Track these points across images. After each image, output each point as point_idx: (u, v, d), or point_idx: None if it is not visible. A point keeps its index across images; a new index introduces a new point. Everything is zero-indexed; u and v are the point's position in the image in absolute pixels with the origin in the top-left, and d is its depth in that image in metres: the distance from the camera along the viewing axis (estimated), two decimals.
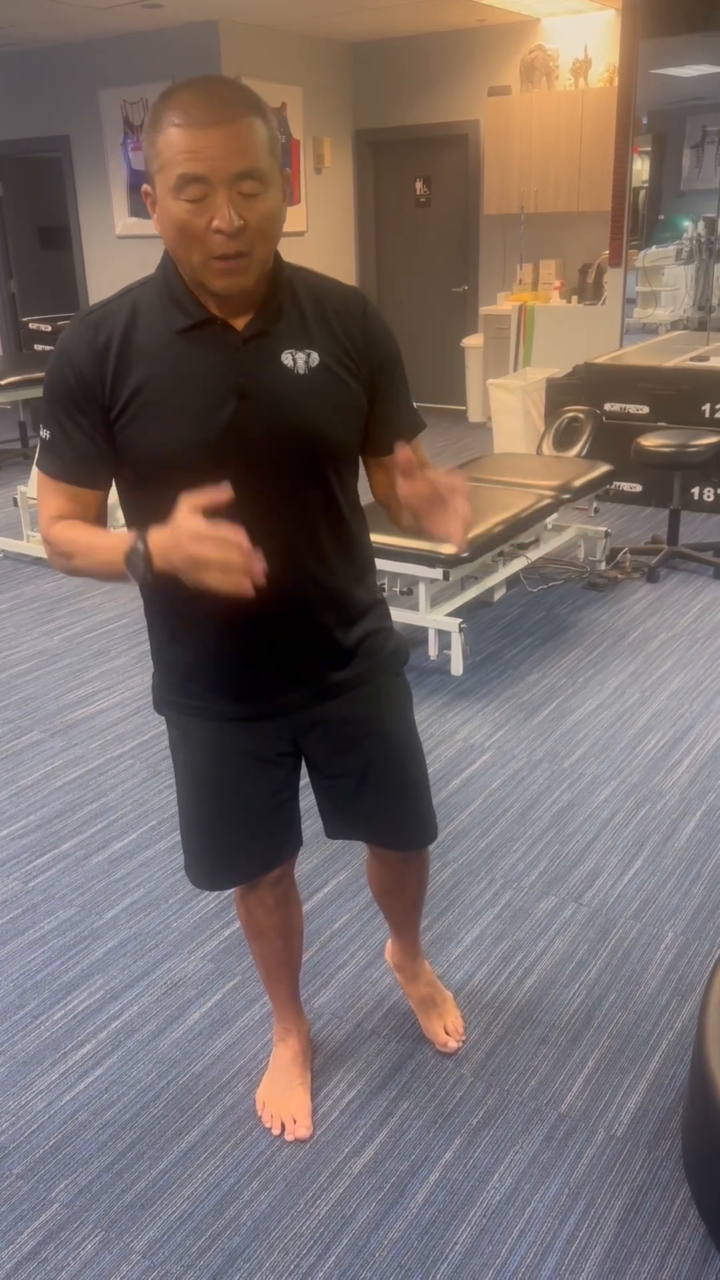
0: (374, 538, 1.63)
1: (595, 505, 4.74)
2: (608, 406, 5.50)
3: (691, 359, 5.66)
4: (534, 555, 4.29)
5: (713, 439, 4.41)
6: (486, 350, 7.30)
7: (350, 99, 7.79)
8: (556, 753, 3.13)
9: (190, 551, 1.19)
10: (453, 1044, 2.03)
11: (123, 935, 2.40)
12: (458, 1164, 1.81)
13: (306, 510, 1.43)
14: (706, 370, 5.41)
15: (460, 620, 3.62)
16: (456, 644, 3.61)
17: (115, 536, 1.33)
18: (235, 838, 1.66)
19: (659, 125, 6.62)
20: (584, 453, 5.05)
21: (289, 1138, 1.86)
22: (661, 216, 6.86)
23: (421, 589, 3.65)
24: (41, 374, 5.26)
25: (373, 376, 1.45)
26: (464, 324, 7.81)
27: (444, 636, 3.72)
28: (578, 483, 4.25)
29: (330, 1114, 1.92)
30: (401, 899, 1.94)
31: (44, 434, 1.41)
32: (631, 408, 5.47)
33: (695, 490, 5.39)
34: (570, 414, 5.27)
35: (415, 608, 3.69)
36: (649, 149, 6.70)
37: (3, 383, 6.34)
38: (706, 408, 5.28)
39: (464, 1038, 2.06)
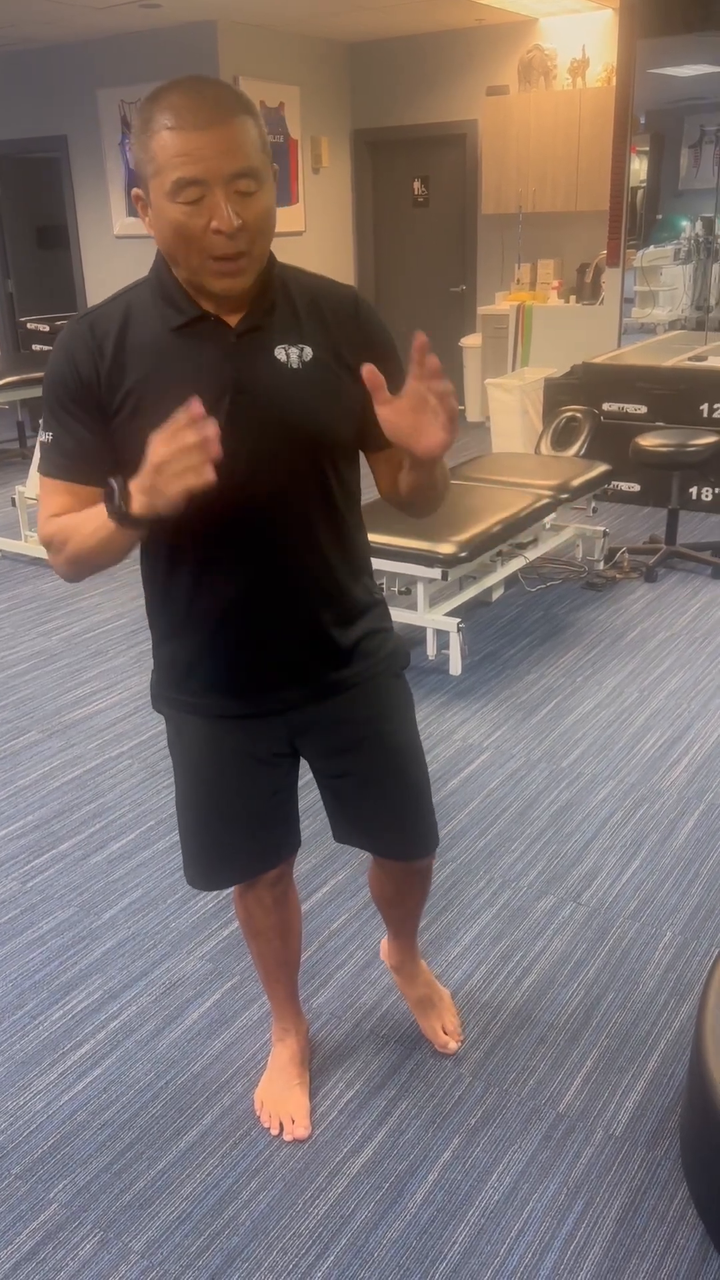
0: (373, 537, 1.63)
1: (593, 505, 4.75)
2: (606, 406, 5.50)
3: (689, 359, 5.67)
4: (532, 555, 4.29)
5: (711, 439, 4.41)
6: (484, 350, 7.30)
7: (348, 99, 7.79)
8: (555, 752, 3.13)
9: (153, 459, 1.20)
10: (452, 1044, 2.03)
11: (121, 935, 2.40)
12: (456, 1164, 1.81)
13: (303, 505, 1.43)
14: (704, 370, 5.41)
15: (458, 620, 3.62)
16: (455, 644, 3.61)
17: (99, 506, 1.34)
18: (232, 837, 1.66)
19: (657, 125, 6.62)
20: (582, 452, 5.05)
21: (287, 1138, 1.86)
22: (659, 216, 6.87)
23: (420, 589, 3.65)
24: (39, 374, 5.25)
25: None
26: (462, 324, 7.82)
27: (442, 636, 3.73)
28: (576, 482, 4.25)
29: (329, 1114, 1.92)
30: (402, 907, 1.93)
31: (45, 436, 1.41)
32: (630, 407, 5.47)
33: (693, 490, 5.39)
34: (568, 414, 5.27)
35: (414, 607, 3.69)
36: (647, 149, 6.70)
37: (1, 383, 6.33)
38: (704, 407, 5.29)
39: (463, 1038, 2.06)
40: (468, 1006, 2.15)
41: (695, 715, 3.32)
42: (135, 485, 1.25)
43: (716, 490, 5.35)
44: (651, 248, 6.80)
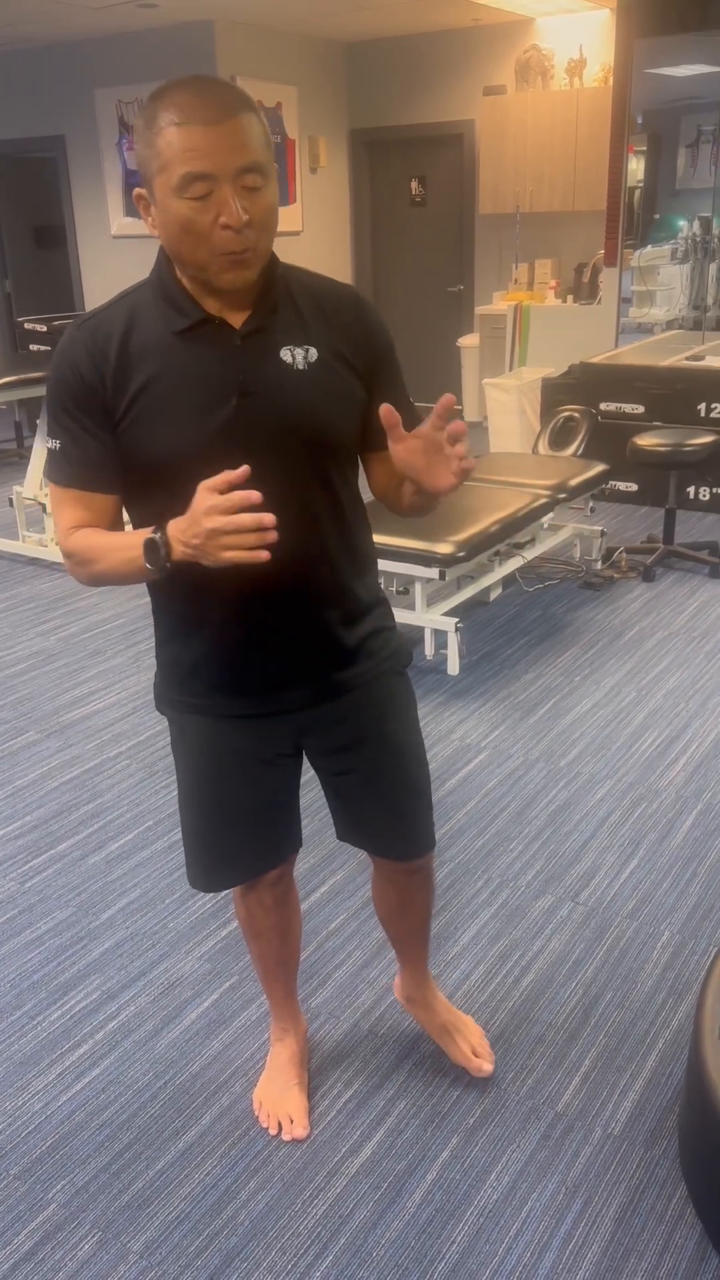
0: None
1: (591, 504, 4.75)
2: (603, 406, 5.51)
3: (687, 358, 5.67)
4: (530, 555, 4.30)
5: (708, 438, 4.42)
6: (482, 350, 7.30)
7: (345, 99, 7.79)
8: (553, 752, 3.13)
9: (205, 525, 1.21)
10: (486, 1066, 1.95)
11: (119, 935, 2.40)
12: (455, 1163, 1.81)
13: (308, 506, 1.43)
14: (702, 369, 5.41)
15: (456, 620, 3.62)
16: (453, 643, 3.62)
17: (134, 535, 1.33)
18: (234, 838, 1.66)
19: (654, 125, 6.63)
20: (580, 452, 5.06)
21: (286, 1137, 1.86)
22: (657, 216, 6.87)
23: (418, 588, 3.65)
24: (37, 374, 5.22)
25: (371, 370, 1.45)
26: (459, 323, 7.82)
27: (440, 636, 3.73)
28: (573, 482, 4.25)
29: (327, 1114, 1.92)
30: (406, 919, 1.90)
31: (52, 444, 1.40)
32: (627, 407, 5.47)
33: (691, 489, 5.39)
34: (566, 413, 5.27)
35: (411, 607, 3.69)
36: (644, 148, 6.71)
37: None
38: (702, 407, 5.29)
39: (494, 1056, 1.99)
40: (466, 1006, 2.15)
41: (693, 714, 3.33)
42: (179, 534, 1.25)
43: (714, 490, 5.35)
44: (649, 247, 6.81)
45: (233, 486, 1.21)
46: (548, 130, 6.83)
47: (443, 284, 7.93)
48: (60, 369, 1.37)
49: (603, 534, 4.58)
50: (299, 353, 1.38)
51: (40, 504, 4.91)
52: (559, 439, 5.19)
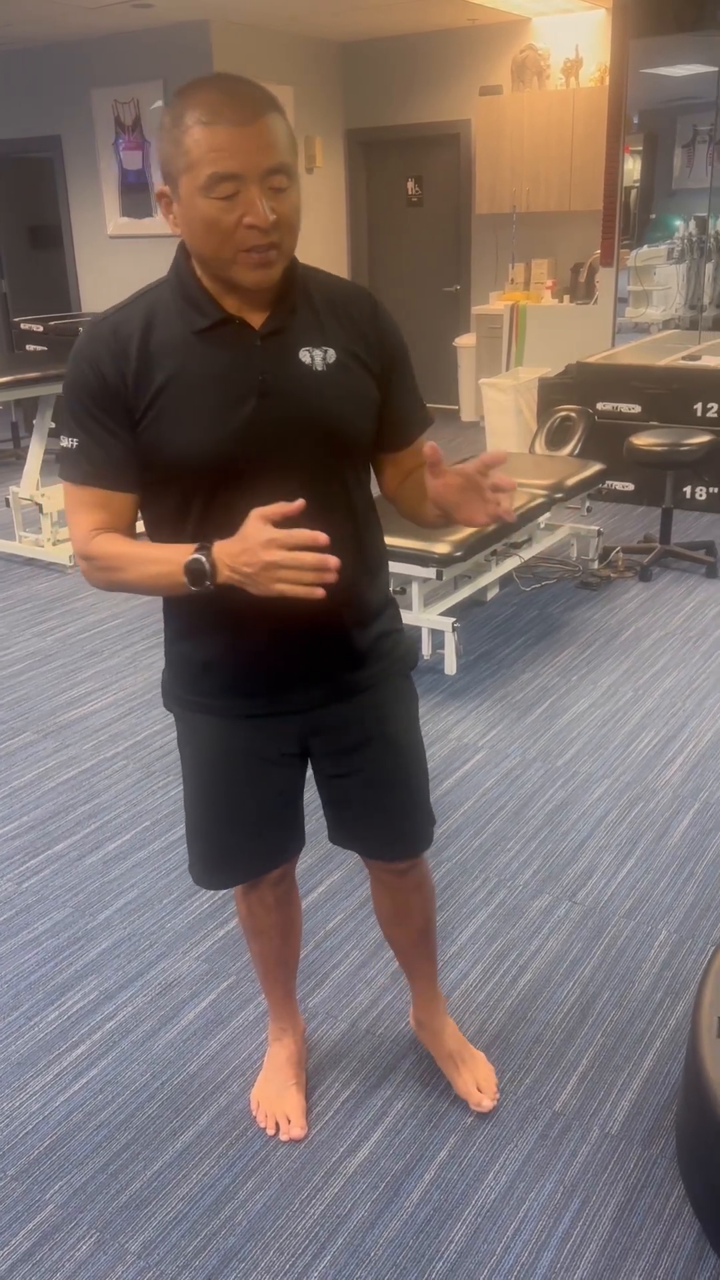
0: None
1: (588, 504, 4.75)
2: (600, 406, 5.51)
3: (683, 358, 5.68)
4: (527, 554, 4.30)
5: (704, 438, 4.42)
6: (479, 349, 7.30)
7: (341, 98, 7.79)
8: (550, 751, 3.14)
9: (263, 558, 1.22)
10: (487, 1102, 1.90)
11: (116, 936, 2.39)
12: (452, 1163, 1.81)
13: (324, 507, 1.42)
14: (698, 369, 5.42)
15: (453, 620, 3.62)
16: (450, 643, 3.62)
17: (168, 549, 1.33)
18: (239, 837, 1.66)
19: (650, 124, 6.63)
20: (576, 452, 5.06)
21: (284, 1137, 1.86)
22: (653, 216, 6.88)
23: (415, 588, 3.65)
24: (33, 374, 5.18)
25: (386, 372, 1.46)
26: (456, 323, 7.82)
27: (437, 636, 3.73)
28: (570, 482, 4.26)
29: (325, 1113, 1.92)
30: (405, 925, 1.88)
31: (68, 443, 1.39)
32: (624, 407, 5.48)
33: (687, 489, 5.40)
34: (563, 413, 5.28)
35: (409, 607, 3.69)
36: (640, 148, 6.71)
37: None
38: (698, 407, 5.30)
39: (498, 1095, 1.93)
40: (464, 1005, 2.15)
41: (690, 714, 3.33)
42: (228, 559, 1.26)
43: (710, 489, 5.36)
44: (645, 247, 6.81)
45: (287, 518, 1.23)
46: (544, 130, 6.84)
47: (439, 284, 7.93)
48: (80, 368, 1.36)
49: (599, 534, 4.58)
50: (317, 354, 1.39)
51: (37, 504, 4.91)
52: (555, 439, 5.19)
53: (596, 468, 4.44)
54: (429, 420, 1.57)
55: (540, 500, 4.01)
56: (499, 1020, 2.12)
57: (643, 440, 4.45)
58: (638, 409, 5.43)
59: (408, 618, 3.65)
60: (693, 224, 6.66)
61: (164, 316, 1.36)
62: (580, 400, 5.49)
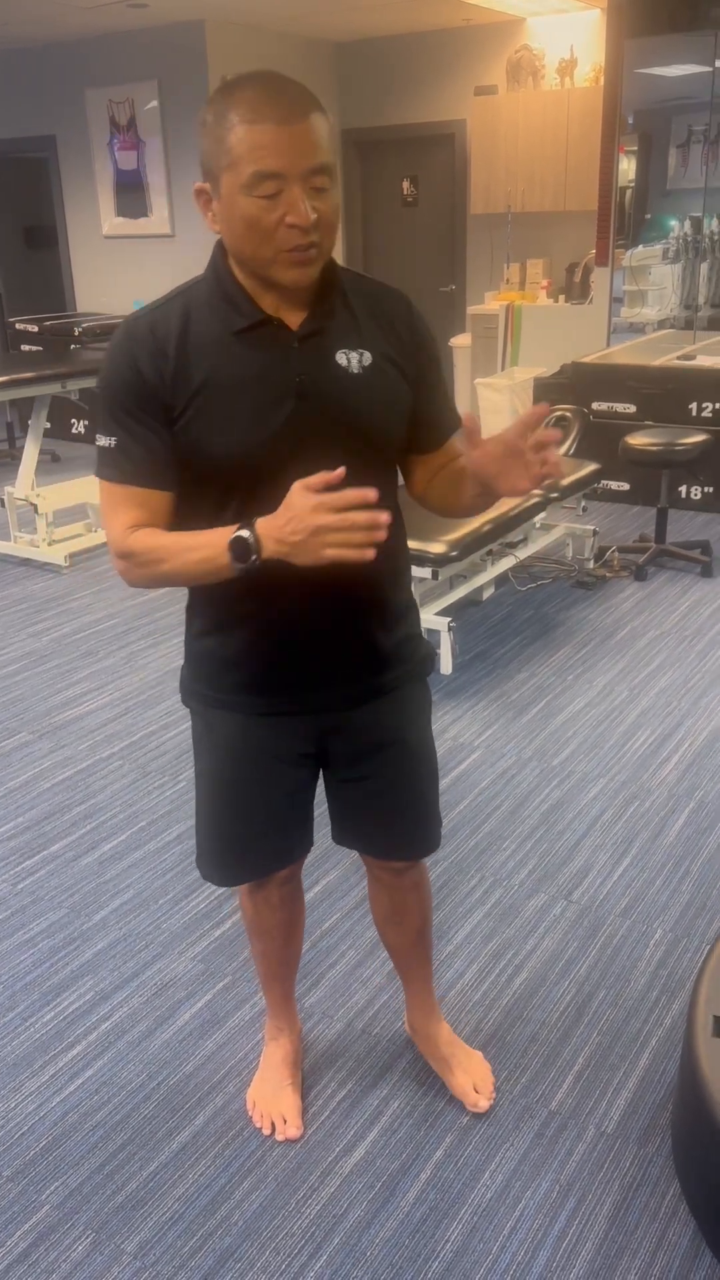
0: None
1: (583, 504, 4.76)
2: (595, 405, 5.52)
3: (678, 358, 5.68)
4: (522, 554, 4.30)
5: (699, 437, 4.43)
6: (474, 350, 7.30)
7: (336, 98, 7.78)
8: (545, 751, 3.14)
9: (312, 522, 1.22)
10: (483, 1103, 1.90)
11: (112, 936, 2.39)
12: (448, 1162, 1.81)
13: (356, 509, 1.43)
14: (693, 369, 5.43)
15: (449, 619, 3.62)
16: (446, 643, 3.62)
17: (208, 533, 1.33)
18: (250, 835, 1.66)
19: (645, 125, 6.64)
20: (571, 451, 5.06)
21: (279, 1138, 1.86)
22: (648, 216, 6.88)
23: (411, 588, 3.65)
24: (28, 374, 5.17)
25: (419, 374, 1.46)
26: (451, 323, 7.82)
27: (433, 635, 3.73)
28: (566, 481, 4.26)
29: (321, 1113, 1.92)
30: (402, 926, 1.88)
31: (106, 442, 1.38)
32: (619, 406, 5.48)
33: (682, 489, 5.40)
34: (558, 413, 5.28)
35: None
36: (635, 148, 6.72)
37: None
38: (693, 406, 5.30)
39: (494, 1095, 1.93)
40: (459, 1005, 2.16)
41: (685, 713, 3.33)
42: (273, 531, 1.25)
43: (705, 489, 5.37)
44: (640, 247, 6.82)
45: (329, 488, 1.22)
46: (539, 130, 6.84)
47: (434, 284, 7.93)
48: (118, 365, 1.35)
49: (595, 533, 4.59)
50: (353, 356, 1.39)
51: (32, 505, 4.90)
52: None
53: (592, 467, 4.44)
54: (459, 422, 1.56)
55: (535, 500, 4.01)
56: (495, 1019, 2.12)
57: (638, 440, 4.45)
58: (633, 409, 5.44)
59: None
60: (688, 224, 6.67)
61: (201, 315, 1.36)
62: (575, 400, 5.49)
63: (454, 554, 3.52)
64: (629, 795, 2.89)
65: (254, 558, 1.27)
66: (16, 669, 3.81)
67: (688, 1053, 1.72)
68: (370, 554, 1.24)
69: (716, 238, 6.65)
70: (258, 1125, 1.89)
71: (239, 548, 1.28)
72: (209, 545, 1.31)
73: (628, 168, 6.69)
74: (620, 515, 5.40)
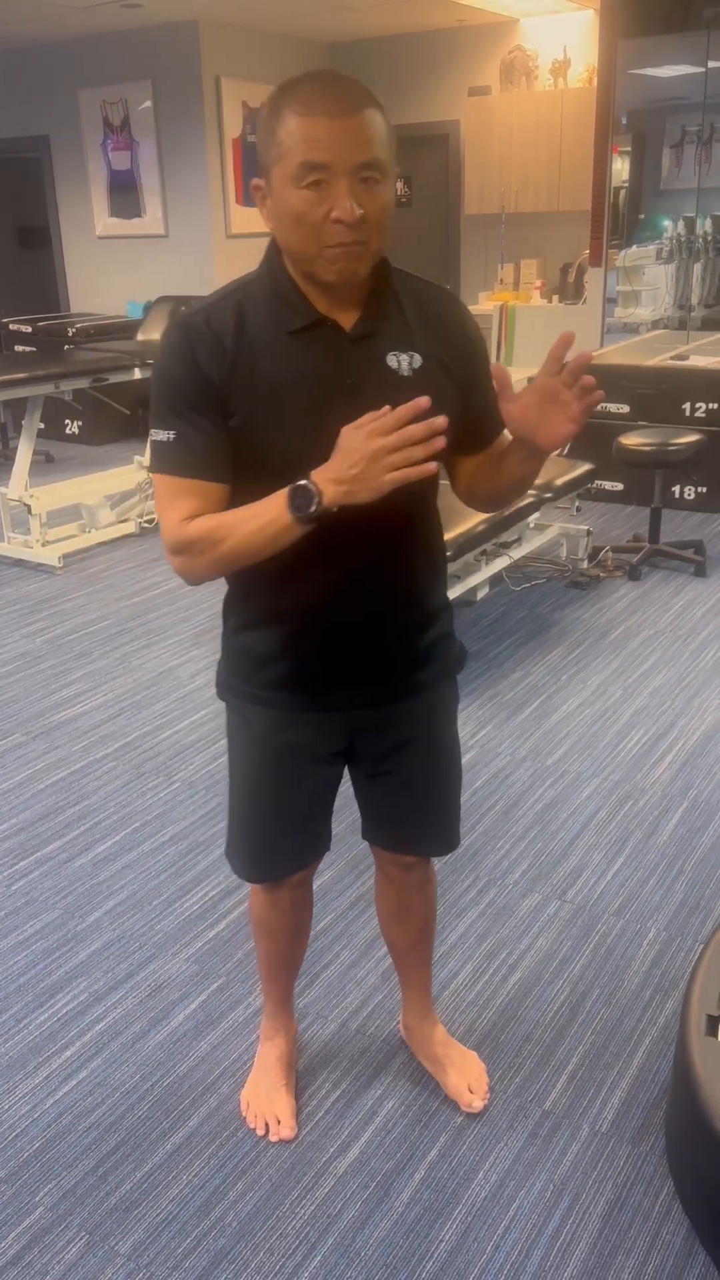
0: None
1: (577, 504, 4.76)
2: None
3: (672, 358, 5.69)
4: (516, 554, 4.30)
5: (693, 437, 4.43)
6: None
7: None
8: (539, 750, 3.14)
9: (367, 448, 1.21)
10: (477, 1103, 1.90)
11: (106, 938, 2.39)
12: (443, 1162, 1.81)
13: (399, 513, 1.42)
14: (687, 369, 5.43)
15: None
16: None
17: (263, 504, 1.32)
18: (278, 831, 1.67)
19: (639, 125, 6.65)
20: (565, 451, 5.06)
21: (273, 1138, 1.86)
22: (642, 216, 6.90)
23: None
24: (21, 375, 5.14)
25: (468, 377, 1.46)
26: None
27: None
28: (559, 481, 4.26)
29: (315, 1113, 1.92)
30: (406, 926, 1.89)
31: (164, 436, 1.37)
32: (612, 407, 5.49)
33: (676, 488, 5.41)
34: None
35: None
36: (629, 149, 6.73)
37: None
38: (686, 406, 5.31)
39: (488, 1095, 1.93)
40: (454, 1005, 2.16)
41: (679, 712, 3.34)
42: (328, 477, 1.25)
43: (699, 489, 5.37)
44: (634, 247, 6.83)
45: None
46: (532, 131, 6.85)
47: None
48: (178, 360, 1.34)
49: (589, 533, 4.59)
50: (404, 359, 1.38)
51: (26, 505, 4.90)
52: None
53: (585, 467, 4.44)
54: (503, 425, 1.56)
55: (529, 500, 4.01)
56: (489, 1019, 2.12)
57: (631, 440, 4.46)
58: (626, 409, 5.45)
59: None
60: (681, 224, 6.69)
61: (255, 314, 1.36)
62: None
63: (448, 554, 3.51)
64: (623, 795, 2.90)
65: (315, 506, 1.26)
66: (10, 670, 3.81)
67: (681, 1052, 1.72)
68: (434, 467, 1.22)
69: (710, 238, 6.67)
70: (252, 1126, 1.89)
71: (299, 496, 1.26)
72: (268, 509, 1.30)
73: (621, 168, 6.70)
74: (614, 515, 5.40)
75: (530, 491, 4.08)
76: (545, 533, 4.52)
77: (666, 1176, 1.77)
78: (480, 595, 4.30)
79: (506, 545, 4.27)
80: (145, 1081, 2.00)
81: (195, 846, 2.71)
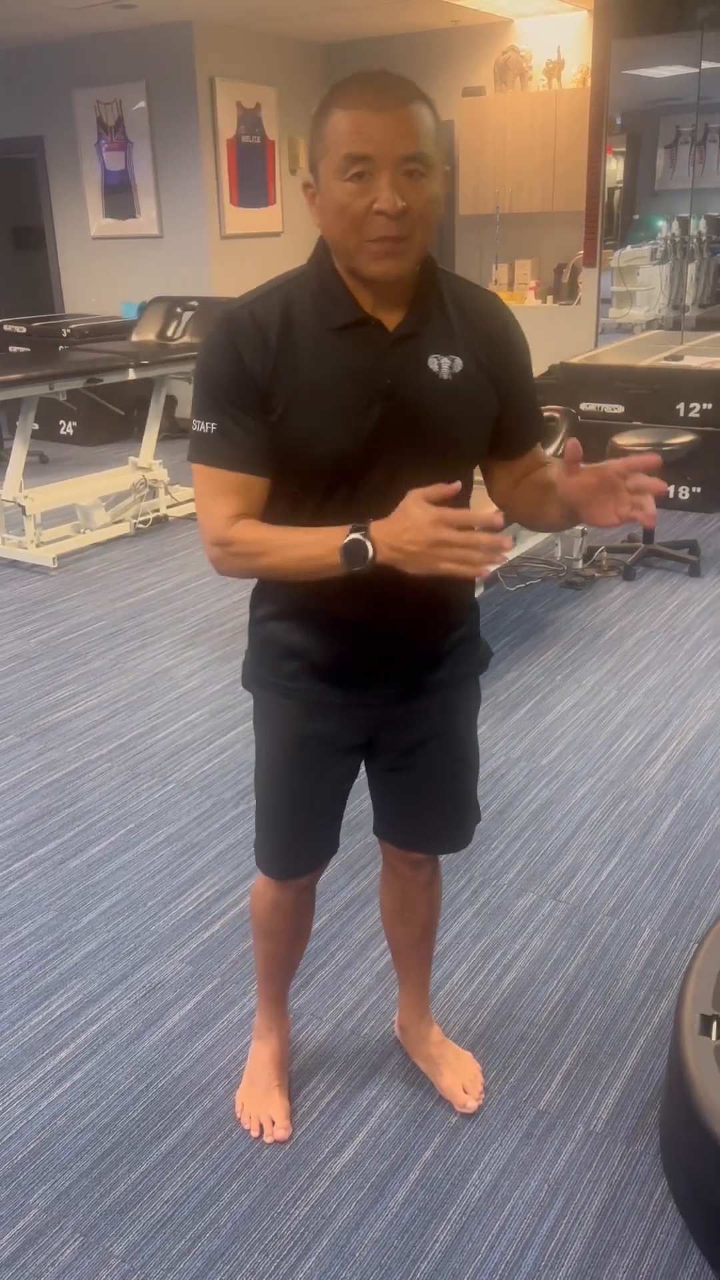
0: None
1: None
2: (583, 406, 5.52)
3: (666, 358, 5.70)
4: (511, 554, 4.30)
5: (687, 438, 4.44)
6: None
7: None
8: (534, 750, 3.14)
9: (431, 535, 1.22)
10: (471, 1103, 1.90)
11: (101, 939, 2.39)
12: (437, 1162, 1.81)
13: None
14: (681, 369, 5.44)
15: None
16: None
17: (316, 532, 1.32)
18: (300, 825, 1.68)
19: (633, 125, 6.66)
20: (560, 452, 5.07)
21: (268, 1139, 1.86)
22: (636, 216, 6.91)
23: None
24: (16, 375, 5.12)
25: (508, 383, 1.46)
26: None
27: None
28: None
29: (310, 1114, 1.92)
30: (409, 925, 1.89)
31: (207, 427, 1.37)
32: (607, 407, 5.49)
33: (670, 489, 5.42)
34: (546, 414, 5.29)
35: None
36: (623, 149, 6.74)
37: None
38: (681, 407, 5.32)
39: (483, 1095, 1.93)
40: (448, 1005, 2.16)
41: (673, 712, 3.34)
42: (389, 538, 1.25)
43: (693, 489, 5.38)
44: (628, 248, 6.84)
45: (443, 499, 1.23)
46: (527, 131, 6.85)
47: None
48: (221, 352, 1.35)
49: (583, 533, 4.59)
50: (445, 362, 1.38)
51: (20, 506, 4.89)
52: None
53: None
54: (545, 429, 1.56)
55: None
56: (483, 1019, 2.12)
57: (626, 440, 4.46)
58: (621, 409, 5.45)
59: None
60: (675, 224, 6.70)
61: (300, 310, 1.36)
62: (564, 401, 5.50)
63: None
64: (617, 794, 2.90)
65: (369, 564, 1.27)
66: (4, 671, 3.80)
67: (675, 1051, 1.72)
68: (486, 571, 1.24)
69: (704, 238, 6.68)
70: (246, 1127, 1.89)
71: (356, 550, 1.27)
72: (318, 544, 1.30)
73: (615, 168, 6.71)
74: None
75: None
76: (540, 533, 4.52)
77: (661, 1176, 1.77)
78: (475, 595, 4.30)
79: None
80: (140, 1083, 1.99)
81: (190, 848, 2.71)
